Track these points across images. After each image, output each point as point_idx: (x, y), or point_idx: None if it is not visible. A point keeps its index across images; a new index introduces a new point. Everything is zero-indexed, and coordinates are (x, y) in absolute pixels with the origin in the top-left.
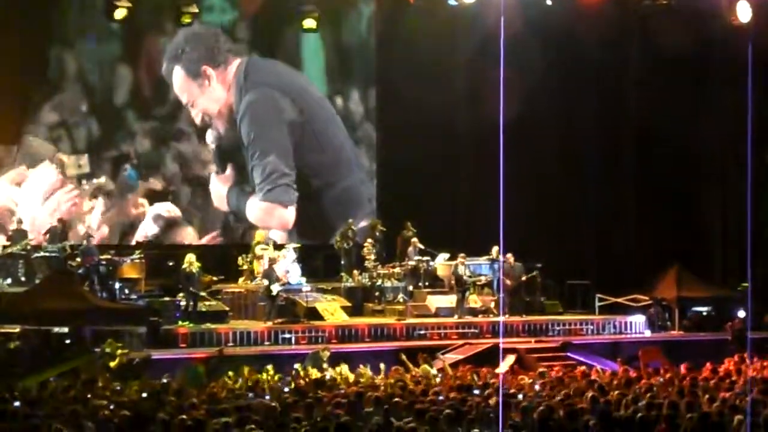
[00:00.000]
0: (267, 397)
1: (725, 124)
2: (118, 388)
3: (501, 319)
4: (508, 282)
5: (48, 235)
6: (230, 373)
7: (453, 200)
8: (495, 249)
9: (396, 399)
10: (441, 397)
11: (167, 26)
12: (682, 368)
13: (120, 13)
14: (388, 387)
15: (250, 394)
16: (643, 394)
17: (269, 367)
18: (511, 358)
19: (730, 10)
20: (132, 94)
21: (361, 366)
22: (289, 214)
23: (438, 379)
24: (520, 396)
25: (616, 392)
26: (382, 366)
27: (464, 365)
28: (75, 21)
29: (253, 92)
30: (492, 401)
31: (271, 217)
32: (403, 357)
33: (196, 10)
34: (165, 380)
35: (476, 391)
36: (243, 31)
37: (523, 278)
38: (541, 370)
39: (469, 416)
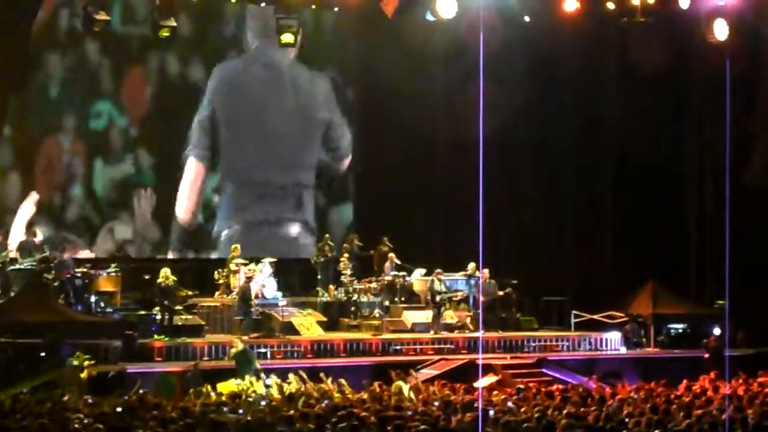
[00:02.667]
0: (240, 411)
1: (703, 141)
2: (90, 401)
3: (480, 334)
4: (482, 298)
5: (20, 250)
6: (207, 387)
7: (430, 216)
8: (471, 265)
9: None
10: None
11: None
12: (653, 384)
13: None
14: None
15: (225, 408)
16: (618, 410)
17: (245, 380)
18: (492, 378)
19: (707, 28)
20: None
21: (340, 380)
22: None
23: (411, 395)
24: (492, 412)
25: (592, 409)
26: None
27: (439, 381)
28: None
29: None
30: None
31: None
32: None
33: (174, 24)
34: (141, 392)
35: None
36: None
37: (498, 294)
38: (519, 386)
39: None
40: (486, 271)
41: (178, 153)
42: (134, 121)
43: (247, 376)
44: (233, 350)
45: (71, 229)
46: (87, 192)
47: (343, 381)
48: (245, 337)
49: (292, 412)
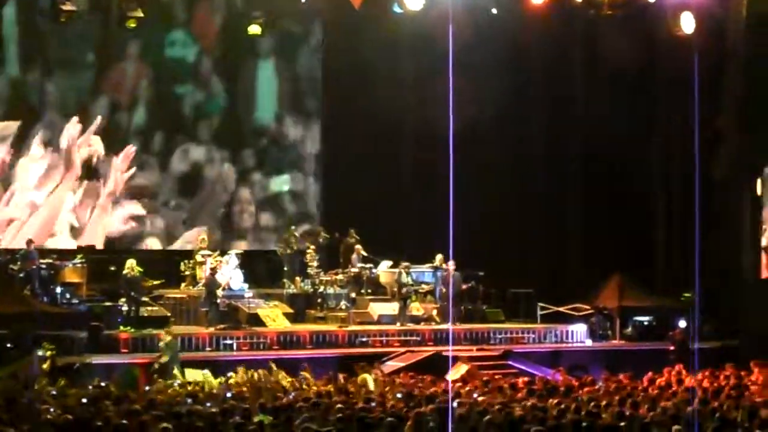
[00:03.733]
0: (208, 404)
1: (671, 134)
2: (54, 392)
3: (449, 326)
4: (444, 290)
5: None
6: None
7: (397, 208)
8: (439, 257)
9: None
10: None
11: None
12: (619, 376)
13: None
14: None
15: (189, 400)
16: (584, 402)
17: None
18: (463, 368)
19: (674, 21)
20: None
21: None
22: None
23: (375, 387)
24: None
25: (557, 400)
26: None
27: (406, 373)
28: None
29: None
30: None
31: None
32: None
33: (142, 15)
34: (104, 384)
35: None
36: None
37: (463, 287)
38: (485, 378)
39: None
40: (451, 262)
41: None
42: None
43: (176, 368)
44: (162, 343)
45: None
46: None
47: (306, 374)
48: (175, 331)
49: (255, 404)
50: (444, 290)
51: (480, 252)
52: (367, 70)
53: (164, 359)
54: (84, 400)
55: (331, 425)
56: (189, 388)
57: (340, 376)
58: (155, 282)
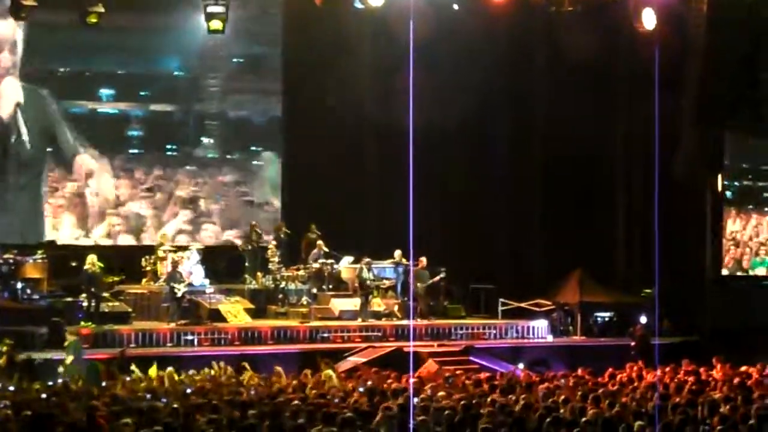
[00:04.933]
0: (164, 400)
1: (632, 130)
2: (11, 388)
3: (411, 322)
4: (418, 285)
5: None
6: (134, 374)
7: (358, 203)
8: (398, 252)
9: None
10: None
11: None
12: (581, 372)
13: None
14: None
15: (149, 395)
16: (544, 398)
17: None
18: (433, 366)
19: (636, 17)
20: None
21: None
22: None
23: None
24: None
25: (520, 396)
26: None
27: (369, 368)
28: None
29: None
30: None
31: None
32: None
33: (102, 10)
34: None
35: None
36: None
37: (429, 282)
38: (447, 374)
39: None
40: (423, 258)
41: None
42: None
43: (77, 368)
44: (66, 343)
45: None
46: None
47: (280, 369)
48: (83, 330)
49: (217, 400)
50: (420, 285)
51: (441, 248)
52: (329, 65)
53: (68, 360)
54: (43, 396)
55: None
56: (150, 384)
57: (303, 372)
58: (116, 278)
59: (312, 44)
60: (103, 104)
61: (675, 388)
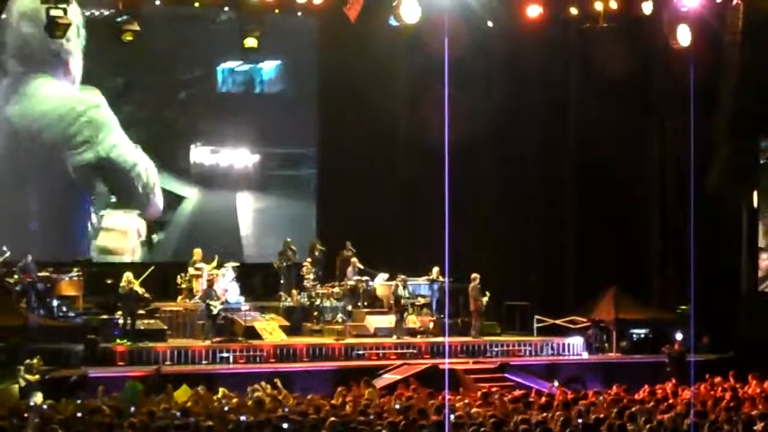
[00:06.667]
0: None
1: (666, 147)
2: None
3: (446, 339)
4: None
5: None
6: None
7: (393, 220)
8: (435, 269)
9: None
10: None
11: None
12: (615, 389)
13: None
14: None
15: (178, 413)
16: (582, 415)
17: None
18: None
19: (671, 34)
20: None
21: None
22: None
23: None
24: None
25: (558, 413)
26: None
27: (403, 385)
28: None
29: None
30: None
31: None
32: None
33: (137, 28)
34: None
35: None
36: None
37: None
38: (484, 391)
39: None
40: (477, 276)
41: None
42: None
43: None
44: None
45: None
46: None
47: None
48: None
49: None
50: (479, 303)
51: (477, 265)
52: (364, 83)
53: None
54: (78, 414)
55: None
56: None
57: (339, 389)
58: (148, 296)
59: (347, 61)
60: None
61: (711, 405)
